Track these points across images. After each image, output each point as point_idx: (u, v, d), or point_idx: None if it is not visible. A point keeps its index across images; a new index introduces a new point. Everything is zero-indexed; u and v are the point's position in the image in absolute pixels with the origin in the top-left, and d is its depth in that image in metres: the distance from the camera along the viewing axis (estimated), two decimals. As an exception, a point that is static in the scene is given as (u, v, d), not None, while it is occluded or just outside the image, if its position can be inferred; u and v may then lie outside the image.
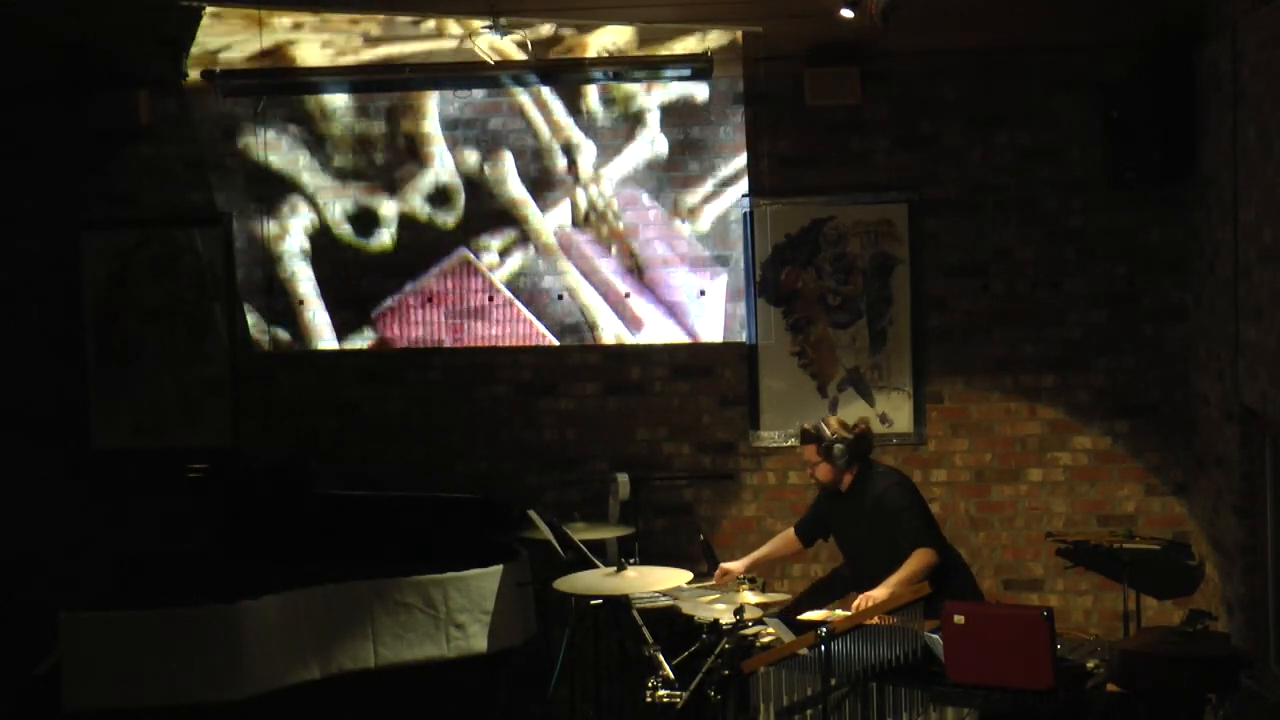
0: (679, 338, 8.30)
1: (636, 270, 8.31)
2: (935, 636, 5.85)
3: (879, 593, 6.56)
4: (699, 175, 8.24)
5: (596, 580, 6.60)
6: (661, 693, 6.42)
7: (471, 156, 8.35)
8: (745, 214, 8.19)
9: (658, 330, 8.32)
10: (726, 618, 6.46)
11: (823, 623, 5.89)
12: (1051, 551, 7.92)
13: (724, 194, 8.25)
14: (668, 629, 6.86)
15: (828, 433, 6.97)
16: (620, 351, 8.34)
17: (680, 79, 8.18)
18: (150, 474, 8.34)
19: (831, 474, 7.00)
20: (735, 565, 7.23)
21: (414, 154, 8.37)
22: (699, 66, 8.07)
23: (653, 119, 8.24)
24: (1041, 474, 8.08)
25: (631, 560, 6.98)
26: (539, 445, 8.37)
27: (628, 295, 8.29)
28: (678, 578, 6.63)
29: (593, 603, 6.55)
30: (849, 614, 6.30)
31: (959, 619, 5.64)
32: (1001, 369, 8.08)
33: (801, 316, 8.19)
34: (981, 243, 8.09)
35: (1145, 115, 7.51)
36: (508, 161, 8.34)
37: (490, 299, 8.38)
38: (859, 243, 8.14)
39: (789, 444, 8.09)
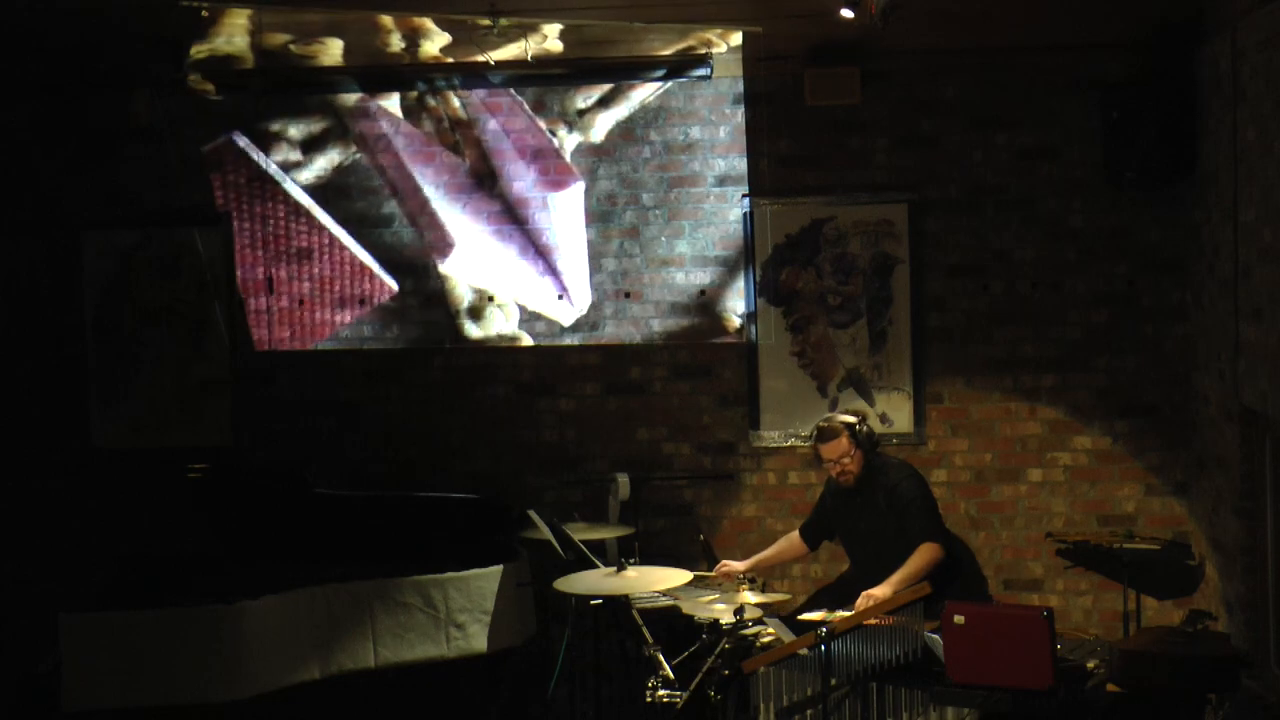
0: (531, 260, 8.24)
1: (488, 176, 8.16)
2: (935, 636, 5.85)
3: (880, 591, 6.57)
4: (700, 175, 8.25)
5: (596, 580, 6.60)
6: (661, 693, 6.42)
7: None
8: (745, 214, 8.19)
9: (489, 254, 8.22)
10: (726, 618, 6.46)
11: (823, 623, 5.90)
12: (1051, 551, 7.93)
13: (611, 107, 8.21)
14: (668, 629, 6.87)
15: (852, 419, 7.00)
16: (620, 351, 8.34)
17: (680, 79, 8.18)
18: (150, 474, 8.34)
19: (863, 461, 6.99)
20: (738, 564, 7.24)
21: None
22: (699, 67, 8.07)
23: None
24: (1041, 474, 8.07)
25: (631, 560, 6.98)
26: (539, 445, 8.37)
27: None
28: (678, 578, 6.64)
29: (593, 603, 6.54)
30: (849, 614, 6.30)
31: (959, 619, 5.64)
32: (1001, 369, 8.08)
33: (801, 316, 8.19)
34: (981, 243, 8.09)
35: (1145, 115, 7.51)
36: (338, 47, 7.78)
37: (297, 218, 8.01)
38: (859, 243, 8.14)
39: (789, 444, 8.09)
